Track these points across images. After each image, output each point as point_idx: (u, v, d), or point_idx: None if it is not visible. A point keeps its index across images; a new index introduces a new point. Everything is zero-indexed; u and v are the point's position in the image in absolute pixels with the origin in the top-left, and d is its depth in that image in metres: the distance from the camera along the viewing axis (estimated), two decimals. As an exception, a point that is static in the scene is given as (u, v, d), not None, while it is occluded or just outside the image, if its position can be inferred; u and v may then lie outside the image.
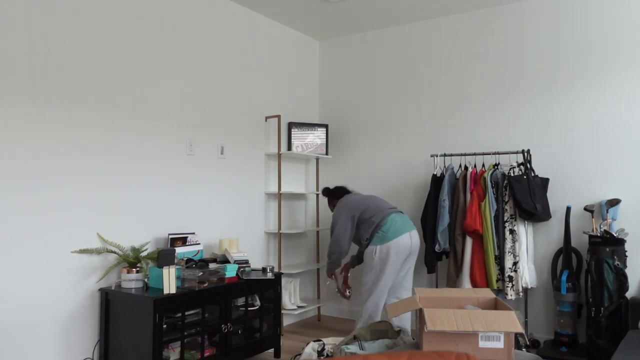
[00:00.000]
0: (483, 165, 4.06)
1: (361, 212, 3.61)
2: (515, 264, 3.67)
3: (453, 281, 3.90)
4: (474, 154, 4.01)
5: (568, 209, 3.62)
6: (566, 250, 3.60)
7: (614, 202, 3.53)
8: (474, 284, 3.78)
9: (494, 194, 3.76)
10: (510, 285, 3.65)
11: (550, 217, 3.78)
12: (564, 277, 3.52)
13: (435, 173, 4.05)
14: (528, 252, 3.74)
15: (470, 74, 4.24)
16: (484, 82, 4.18)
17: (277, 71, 4.55)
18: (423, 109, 4.47)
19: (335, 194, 3.90)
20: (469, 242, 3.82)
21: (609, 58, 3.69)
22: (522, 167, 3.78)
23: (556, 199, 3.84)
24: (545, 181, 3.77)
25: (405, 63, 4.59)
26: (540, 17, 3.95)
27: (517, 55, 4.03)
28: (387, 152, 4.65)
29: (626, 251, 3.44)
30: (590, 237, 3.44)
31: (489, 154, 3.94)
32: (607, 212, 3.53)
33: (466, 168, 3.96)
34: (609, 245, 3.36)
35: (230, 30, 4.06)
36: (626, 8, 3.63)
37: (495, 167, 3.86)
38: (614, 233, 3.43)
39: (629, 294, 3.50)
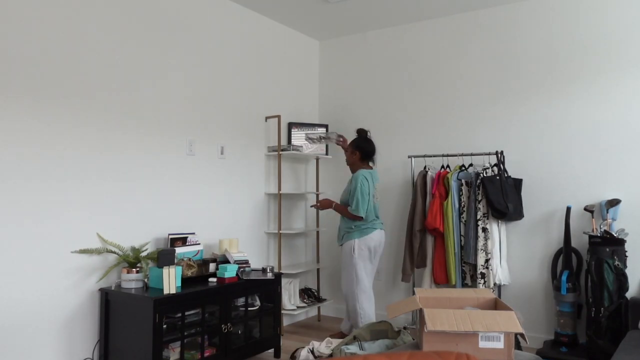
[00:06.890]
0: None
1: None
2: (487, 261, 3.74)
3: (408, 275, 4.08)
4: (462, 155, 4.05)
5: (568, 209, 3.62)
6: (566, 250, 3.60)
7: (614, 202, 3.53)
8: (435, 280, 3.97)
9: (458, 194, 3.89)
10: (482, 282, 3.76)
11: (523, 216, 3.87)
12: (564, 277, 3.52)
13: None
14: (501, 250, 3.83)
15: (470, 74, 4.24)
16: (484, 82, 4.17)
17: (277, 71, 4.55)
18: (422, 109, 4.47)
19: (361, 153, 3.92)
20: (430, 239, 4.04)
21: (606, 57, 3.68)
22: (495, 168, 3.84)
23: (556, 200, 3.84)
24: (518, 182, 3.87)
25: (405, 63, 4.58)
26: (533, 19, 3.94)
27: (516, 54, 4.03)
28: (387, 151, 4.65)
29: (626, 251, 3.44)
30: (590, 237, 3.44)
31: (467, 155, 4.02)
32: (607, 212, 3.53)
33: (427, 169, 4.11)
34: (609, 245, 3.36)
35: (230, 30, 4.06)
36: (617, 8, 3.63)
37: (462, 168, 3.99)
38: (614, 233, 3.43)
39: (629, 294, 3.50)
